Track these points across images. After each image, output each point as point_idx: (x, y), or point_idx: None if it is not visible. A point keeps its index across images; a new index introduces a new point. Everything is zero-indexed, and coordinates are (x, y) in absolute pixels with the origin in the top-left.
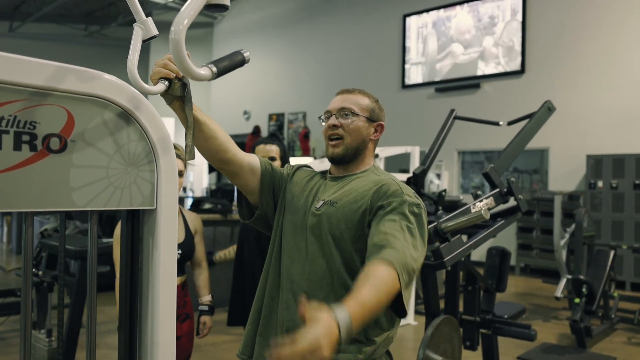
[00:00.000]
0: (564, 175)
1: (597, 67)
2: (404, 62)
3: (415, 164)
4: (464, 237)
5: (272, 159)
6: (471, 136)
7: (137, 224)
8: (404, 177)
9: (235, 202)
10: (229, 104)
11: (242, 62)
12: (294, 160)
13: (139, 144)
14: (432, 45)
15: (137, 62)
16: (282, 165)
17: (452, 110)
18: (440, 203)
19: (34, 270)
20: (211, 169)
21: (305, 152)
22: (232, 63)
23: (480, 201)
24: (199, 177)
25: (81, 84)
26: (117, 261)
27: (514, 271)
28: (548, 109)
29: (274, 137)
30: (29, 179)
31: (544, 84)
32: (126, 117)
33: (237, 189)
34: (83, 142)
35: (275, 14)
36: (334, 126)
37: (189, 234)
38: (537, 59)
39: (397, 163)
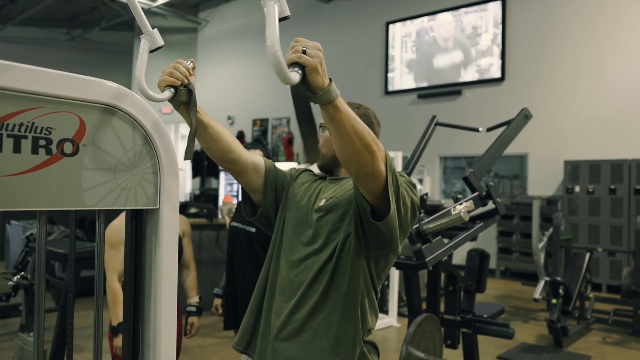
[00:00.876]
0: (543, 180)
1: (574, 76)
2: (387, 68)
3: (398, 169)
4: (445, 241)
5: None
6: (453, 142)
7: (140, 223)
8: None
9: (220, 206)
10: (213, 109)
11: None
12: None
13: (143, 148)
14: (414, 53)
15: (144, 72)
16: None
17: (434, 117)
18: (422, 206)
19: (22, 273)
20: (194, 174)
21: (289, 157)
22: None
23: (460, 204)
24: (182, 182)
25: (92, 93)
26: (108, 264)
27: (495, 274)
28: (525, 116)
29: (258, 142)
30: (45, 180)
31: (524, 91)
32: (132, 123)
33: (242, 188)
34: (93, 146)
35: (258, 20)
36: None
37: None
38: (516, 67)
39: None
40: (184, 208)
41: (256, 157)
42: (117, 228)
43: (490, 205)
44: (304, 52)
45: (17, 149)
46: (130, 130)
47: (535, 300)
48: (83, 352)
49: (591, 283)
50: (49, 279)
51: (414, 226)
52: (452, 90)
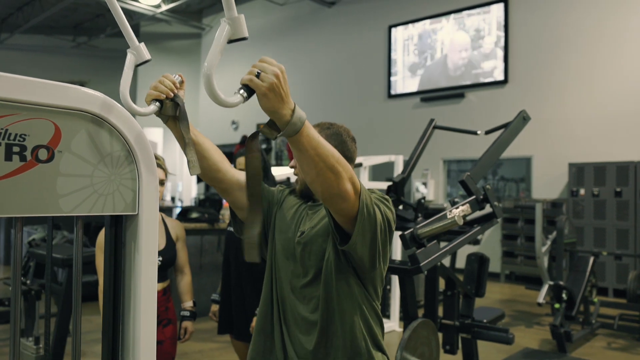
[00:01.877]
0: (547, 183)
1: (578, 78)
2: (389, 72)
3: (399, 172)
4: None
5: None
6: (456, 145)
7: (120, 229)
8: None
9: (222, 212)
10: (217, 114)
11: None
12: (278, 171)
13: (121, 154)
14: (417, 56)
15: (129, 86)
16: (264, 176)
17: (432, 120)
18: (420, 210)
19: (22, 279)
20: (199, 179)
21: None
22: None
23: (457, 208)
24: (188, 187)
25: (68, 99)
26: (99, 268)
27: (499, 278)
28: (523, 118)
29: None
30: (19, 186)
31: (527, 93)
32: (109, 129)
33: (229, 206)
34: (69, 152)
35: (262, 25)
36: (292, 167)
37: (170, 241)
38: (520, 69)
39: (382, 172)
40: (185, 213)
41: (242, 176)
42: None
43: (488, 209)
44: (258, 75)
45: None
46: (107, 135)
47: (539, 304)
48: (86, 357)
49: (596, 287)
50: (44, 283)
51: (408, 231)
52: (455, 93)
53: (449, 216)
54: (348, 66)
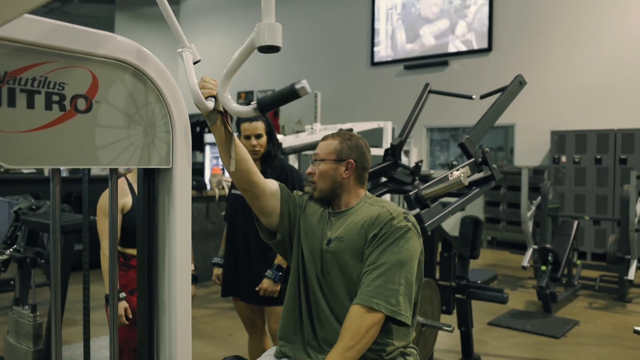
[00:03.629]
0: (529, 150)
1: (561, 46)
2: (373, 39)
3: (388, 138)
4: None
5: (259, 135)
6: (438, 113)
7: (152, 183)
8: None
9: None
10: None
11: (292, 93)
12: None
13: (156, 106)
14: (401, 24)
15: (197, 83)
16: (269, 140)
17: (427, 84)
18: (417, 173)
19: (15, 246)
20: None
21: (275, 130)
22: (277, 97)
23: (457, 170)
24: None
25: (105, 48)
26: (102, 233)
27: (482, 244)
28: (519, 82)
29: None
30: (58, 137)
31: (510, 61)
32: (144, 80)
33: (254, 212)
34: (106, 103)
35: None
36: (310, 174)
37: None
38: (503, 37)
39: (368, 139)
40: None
41: (272, 182)
42: None
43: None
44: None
45: (30, 104)
46: (143, 87)
47: (524, 267)
48: (77, 325)
49: (577, 251)
50: (42, 251)
51: (413, 192)
52: (438, 61)
53: (450, 178)
54: (331, 34)
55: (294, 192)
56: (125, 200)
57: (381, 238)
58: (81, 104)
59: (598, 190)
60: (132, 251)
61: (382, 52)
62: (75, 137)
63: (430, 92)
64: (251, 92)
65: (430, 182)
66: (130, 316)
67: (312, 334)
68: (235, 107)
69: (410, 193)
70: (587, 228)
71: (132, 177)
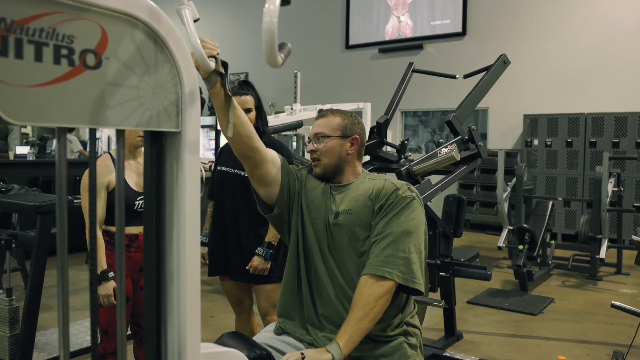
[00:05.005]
0: (503, 134)
1: (534, 32)
2: (347, 22)
3: (368, 119)
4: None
5: (248, 110)
6: (413, 96)
7: (160, 147)
8: None
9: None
10: None
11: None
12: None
13: (165, 66)
14: (375, 7)
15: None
16: (257, 115)
17: (411, 63)
18: (403, 151)
19: None
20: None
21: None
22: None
23: (445, 147)
24: None
25: (115, 1)
26: (86, 210)
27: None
28: (503, 62)
29: (247, 85)
30: (67, 94)
31: (484, 45)
32: (154, 38)
33: (253, 183)
34: (116, 60)
35: None
36: (312, 151)
37: None
38: (477, 22)
39: None
40: None
41: (271, 151)
42: (98, 171)
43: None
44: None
45: (38, 57)
46: (152, 45)
47: (500, 248)
48: (52, 311)
49: (550, 231)
50: (17, 233)
51: (404, 167)
52: (413, 44)
53: (438, 155)
54: (305, 17)
55: (291, 166)
56: (111, 177)
57: (388, 208)
58: (90, 59)
59: (569, 172)
60: None
61: (357, 35)
62: (84, 94)
63: (414, 71)
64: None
65: (420, 158)
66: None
67: (313, 311)
68: (279, 61)
69: (402, 169)
70: (558, 209)
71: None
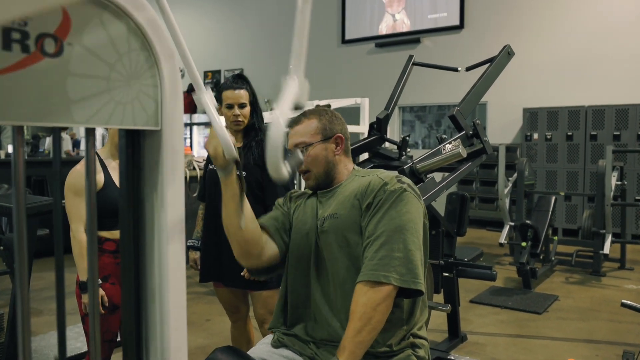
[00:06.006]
0: (502, 128)
1: (532, 24)
2: (344, 17)
3: (366, 115)
4: None
5: (242, 105)
6: (410, 92)
7: (137, 148)
8: (354, 129)
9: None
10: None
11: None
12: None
13: (140, 54)
14: (372, 1)
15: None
16: (252, 111)
17: (411, 56)
18: (404, 148)
19: None
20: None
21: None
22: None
23: (449, 143)
24: None
25: None
26: (70, 213)
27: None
28: (507, 53)
29: (242, 79)
30: (22, 85)
31: (482, 39)
32: (127, 21)
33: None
34: (81, 46)
35: None
36: (303, 171)
37: None
38: (475, 15)
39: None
40: None
41: (263, 235)
42: (82, 173)
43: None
44: None
45: None
46: (125, 30)
47: (501, 244)
48: (42, 316)
49: (552, 227)
50: (1, 237)
51: (407, 165)
52: (410, 38)
53: (443, 152)
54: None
55: (283, 199)
56: (97, 177)
57: (377, 206)
58: (49, 45)
59: (569, 166)
60: (105, 233)
61: (354, 29)
62: (43, 86)
63: (415, 64)
64: (219, 72)
65: (424, 155)
66: (107, 304)
67: (311, 326)
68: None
69: (405, 167)
70: (559, 204)
71: (104, 152)
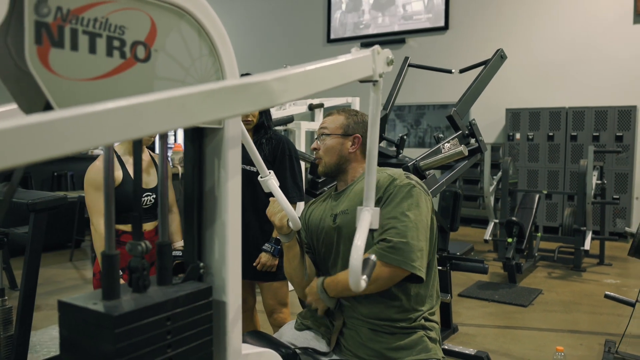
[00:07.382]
0: (485, 127)
1: (516, 26)
2: (329, 16)
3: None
4: None
5: None
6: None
7: (201, 144)
8: None
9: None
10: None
11: None
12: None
13: (209, 60)
14: (357, 1)
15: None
16: (261, 111)
17: (406, 58)
18: (402, 147)
19: None
20: None
21: None
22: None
23: (448, 142)
24: None
25: None
26: (92, 207)
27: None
28: (500, 56)
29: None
30: (118, 88)
31: (467, 40)
32: (199, 30)
33: None
34: (164, 52)
35: None
36: (314, 149)
37: None
38: (460, 16)
39: None
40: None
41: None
42: (101, 168)
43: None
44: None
45: (92, 48)
46: (197, 37)
47: (486, 241)
48: (41, 310)
49: (534, 224)
50: (7, 231)
51: (411, 163)
52: (395, 39)
53: (442, 150)
54: (286, 12)
55: (302, 211)
56: (116, 173)
57: (387, 200)
58: (140, 51)
59: (550, 165)
60: (123, 227)
61: (339, 29)
62: (134, 88)
63: (410, 65)
64: None
65: (426, 154)
66: None
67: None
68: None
69: (409, 164)
70: (540, 202)
71: (121, 149)
